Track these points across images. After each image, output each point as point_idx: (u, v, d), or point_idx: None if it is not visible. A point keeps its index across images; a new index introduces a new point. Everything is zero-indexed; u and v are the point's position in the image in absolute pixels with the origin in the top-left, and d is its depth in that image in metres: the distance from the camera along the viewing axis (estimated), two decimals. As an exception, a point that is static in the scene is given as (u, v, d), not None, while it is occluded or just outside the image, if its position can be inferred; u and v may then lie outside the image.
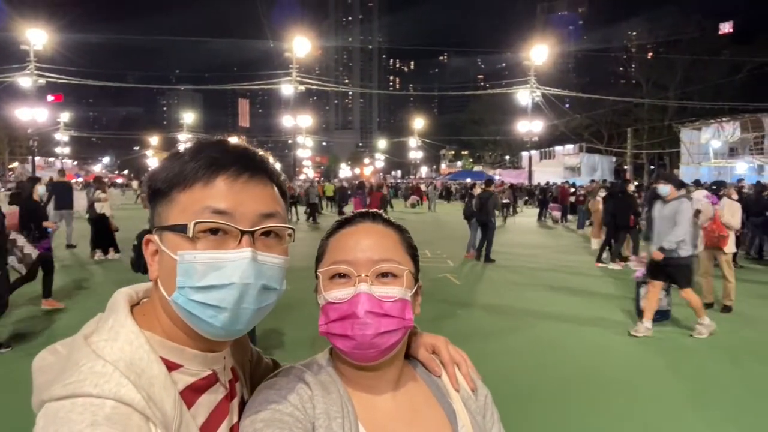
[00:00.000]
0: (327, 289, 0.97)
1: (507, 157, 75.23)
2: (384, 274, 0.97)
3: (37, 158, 40.68)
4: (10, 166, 59.64)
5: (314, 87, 52.36)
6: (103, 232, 12.44)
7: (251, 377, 1.09)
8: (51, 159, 64.22)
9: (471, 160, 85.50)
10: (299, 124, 53.60)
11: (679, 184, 7.27)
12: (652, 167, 49.84)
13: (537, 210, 28.04)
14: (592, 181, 25.72)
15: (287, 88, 42.01)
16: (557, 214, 24.68)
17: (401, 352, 1.03)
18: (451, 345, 1.15)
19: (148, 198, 0.90)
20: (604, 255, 12.53)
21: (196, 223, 0.81)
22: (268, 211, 0.87)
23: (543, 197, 28.04)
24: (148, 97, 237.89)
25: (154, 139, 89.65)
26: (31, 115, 35.38)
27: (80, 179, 50.92)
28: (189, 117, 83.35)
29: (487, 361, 5.94)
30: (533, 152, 51.88)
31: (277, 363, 1.17)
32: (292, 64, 41.49)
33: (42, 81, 35.41)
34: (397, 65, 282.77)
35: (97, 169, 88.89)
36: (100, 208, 12.27)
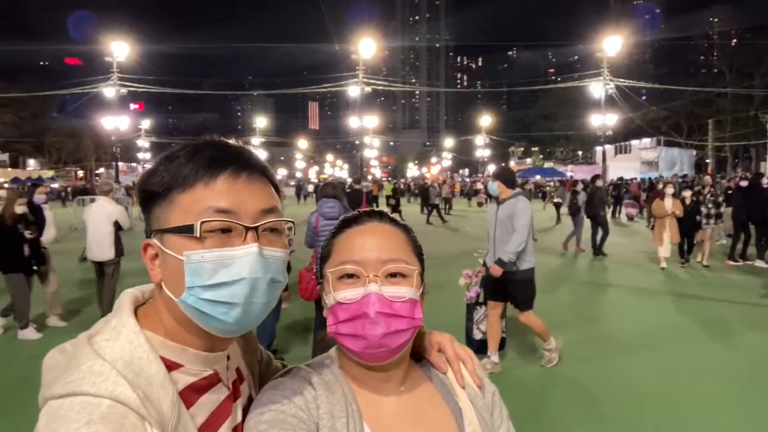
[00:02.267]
0: (336, 290, 0.96)
1: (579, 153, 72.88)
2: (393, 274, 0.97)
3: (120, 164, 43.01)
4: (97, 172, 63.45)
5: (381, 88, 52.71)
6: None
7: (260, 379, 1.09)
8: (133, 164, 67.72)
9: (541, 156, 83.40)
10: (366, 124, 54.08)
11: (512, 181, 5.61)
12: (737, 160, 46.92)
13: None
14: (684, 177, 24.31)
15: (354, 90, 42.44)
16: (632, 210, 23.74)
17: (408, 352, 1.03)
18: (456, 342, 1.14)
19: (141, 203, 0.90)
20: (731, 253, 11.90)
21: (202, 223, 0.81)
22: (269, 207, 0.88)
23: (617, 194, 26.91)
24: (223, 104, 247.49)
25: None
26: (114, 123, 37.39)
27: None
28: (261, 122, 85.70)
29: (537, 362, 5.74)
30: (608, 147, 49.92)
31: (286, 366, 1.16)
32: (359, 65, 41.90)
33: (124, 91, 37.38)
34: (465, 62, 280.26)
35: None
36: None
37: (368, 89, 43.73)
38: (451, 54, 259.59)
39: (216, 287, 0.81)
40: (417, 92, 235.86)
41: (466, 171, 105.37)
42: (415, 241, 1.06)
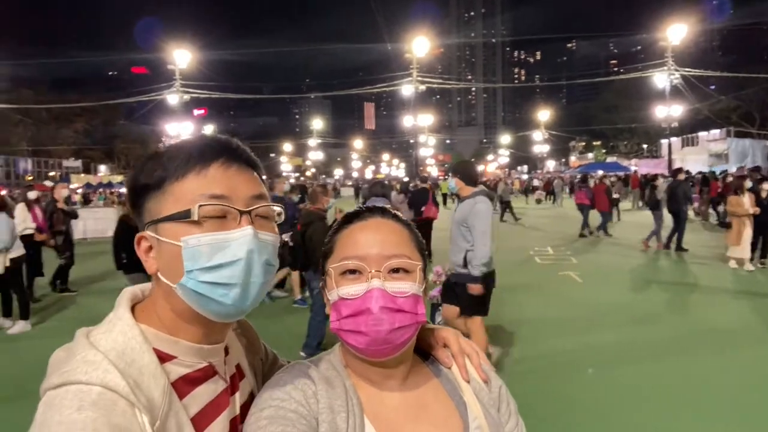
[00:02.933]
0: (339, 285, 0.96)
1: (644, 146, 70.20)
2: (396, 270, 0.96)
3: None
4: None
5: (435, 86, 52.51)
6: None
7: (265, 377, 1.09)
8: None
9: (604, 150, 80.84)
10: (421, 123, 53.96)
11: (472, 178, 5.07)
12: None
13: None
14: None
15: (408, 89, 42.42)
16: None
17: (411, 348, 1.03)
18: (461, 337, 1.13)
19: (131, 199, 0.92)
20: None
21: (200, 206, 0.84)
22: (259, 193, 0.92)
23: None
24: (282, 107, 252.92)
25: (287, 146, 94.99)
26: (178, 128, 38.72)
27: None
28: (318, 123, 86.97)
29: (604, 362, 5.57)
30: (673, 139, 47.80)
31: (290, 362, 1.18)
32: (413, 64, 41.88)
33: (187, 97, 38.71)
34: (522, 56, 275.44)
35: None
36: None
37: (423, 88, 43.67)
38: (507, 49, 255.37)
39: (214, 269, 0.84)
40: (473, 89, 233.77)
41: (525, 167, 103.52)
42: (418, 238, 1.05)
